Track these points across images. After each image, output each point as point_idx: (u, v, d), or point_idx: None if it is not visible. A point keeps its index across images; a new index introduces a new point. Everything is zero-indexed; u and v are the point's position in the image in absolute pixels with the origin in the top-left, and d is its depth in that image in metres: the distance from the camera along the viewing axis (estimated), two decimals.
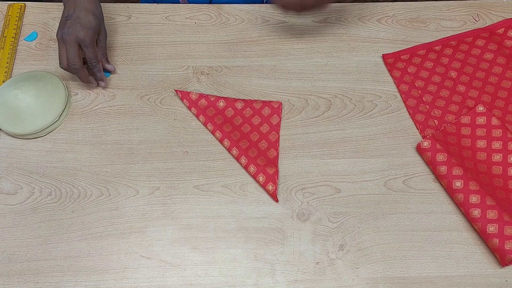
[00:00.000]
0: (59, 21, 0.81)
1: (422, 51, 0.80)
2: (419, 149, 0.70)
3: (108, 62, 0.76)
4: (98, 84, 0.75)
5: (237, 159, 0.70)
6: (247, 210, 0.67)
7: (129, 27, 0.82)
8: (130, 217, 0.66)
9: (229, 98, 0.75)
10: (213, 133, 0.72)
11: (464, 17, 0.84)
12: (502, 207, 0.64)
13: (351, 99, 0.76)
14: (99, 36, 0.72)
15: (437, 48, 0.80)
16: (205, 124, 0.73)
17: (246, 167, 0.69)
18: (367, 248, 0.64)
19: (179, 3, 0.86)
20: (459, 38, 0.81)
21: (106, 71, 0.76)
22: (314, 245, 0.64)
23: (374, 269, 0.63)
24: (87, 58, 0.71)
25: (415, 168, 0.70)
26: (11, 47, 0.79)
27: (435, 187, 0.69)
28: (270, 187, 0.67)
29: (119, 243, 0.64)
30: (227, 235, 0.65)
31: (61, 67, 0.70)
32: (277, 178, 0.67)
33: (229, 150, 0.70)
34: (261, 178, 0.67)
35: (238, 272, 0.63)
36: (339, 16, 0.84)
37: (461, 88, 0.76)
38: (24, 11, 0.83)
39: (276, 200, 0.67)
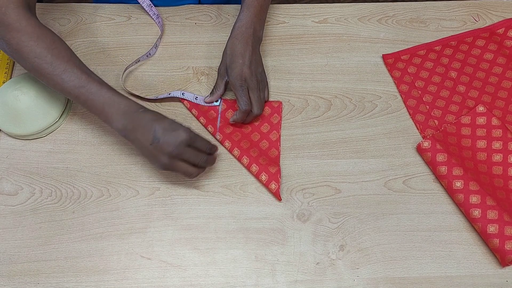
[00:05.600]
0: (60, 24, 0.82)
1: (422, 51, 0.80)
2: (419, 149, 0.70)
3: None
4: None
5: (239, 159, 0.69)
6: (247, 211, 0.67)
7: (129, 27, 0.82)
8: (131, 218, 0.66)
9: (229, 99, 0.75)
10: (213, 135, 0.72)
11: (464, 17, 0.84)
12: (502, 207, 0.64)
13: (351, 100, 0.76)
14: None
15: (437, 48, 0.80)
16: (205, 126, 0.72)
17: (248, 167, 0.69)
18: (367, 249, 0.64)
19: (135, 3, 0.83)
20: (459, 38, 0.81)
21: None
22: (315, 246, 0.64)
23: (375, 269, 0.63)
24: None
25: (415, 169, 0.70)
26: None
27: (435, 187, 0.69)
28: (273, 185, 0.67)
29: (120, 244, 0.64)
30: (228, 236, 0.65)
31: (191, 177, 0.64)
32: (280, 177, 0.67)
33: (230, 151, 0.70)
34: (263, 177, 0.67)
35: (239, 272, 0.63)
36: (339, 16, 0.84)
37: (461, 88, 0.76)
38: None
39: (279, 199, 0.67)
